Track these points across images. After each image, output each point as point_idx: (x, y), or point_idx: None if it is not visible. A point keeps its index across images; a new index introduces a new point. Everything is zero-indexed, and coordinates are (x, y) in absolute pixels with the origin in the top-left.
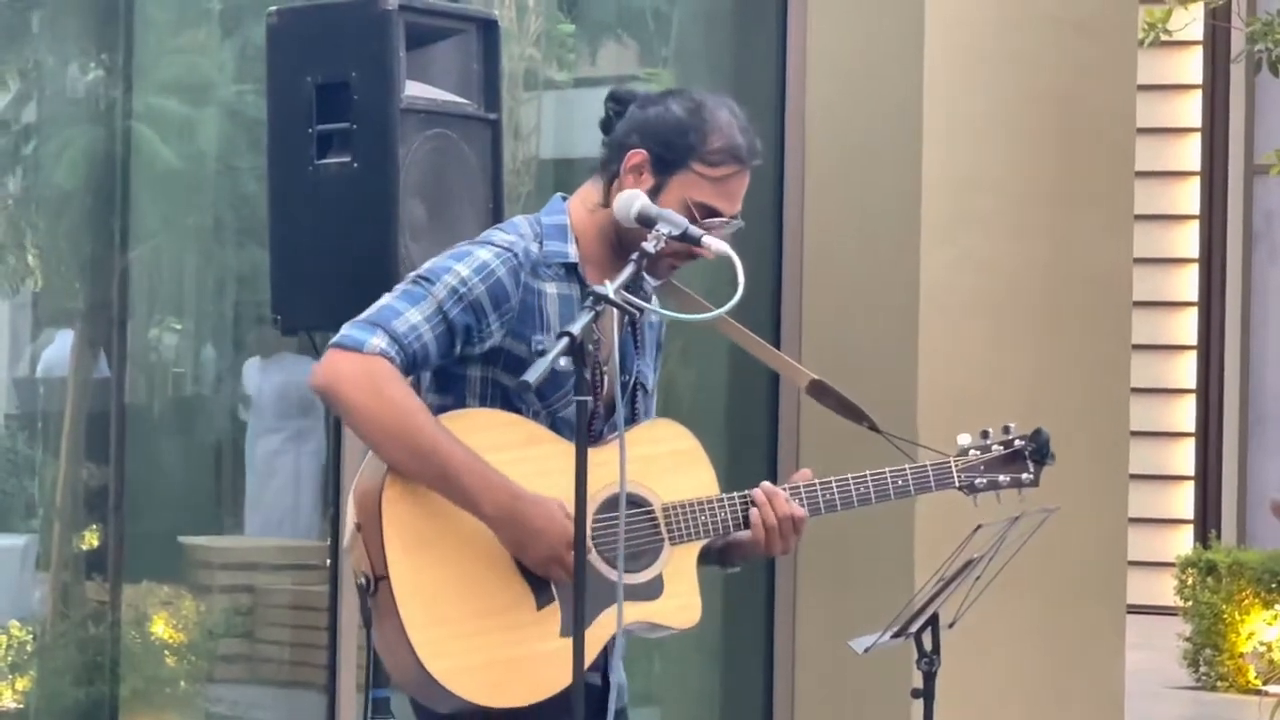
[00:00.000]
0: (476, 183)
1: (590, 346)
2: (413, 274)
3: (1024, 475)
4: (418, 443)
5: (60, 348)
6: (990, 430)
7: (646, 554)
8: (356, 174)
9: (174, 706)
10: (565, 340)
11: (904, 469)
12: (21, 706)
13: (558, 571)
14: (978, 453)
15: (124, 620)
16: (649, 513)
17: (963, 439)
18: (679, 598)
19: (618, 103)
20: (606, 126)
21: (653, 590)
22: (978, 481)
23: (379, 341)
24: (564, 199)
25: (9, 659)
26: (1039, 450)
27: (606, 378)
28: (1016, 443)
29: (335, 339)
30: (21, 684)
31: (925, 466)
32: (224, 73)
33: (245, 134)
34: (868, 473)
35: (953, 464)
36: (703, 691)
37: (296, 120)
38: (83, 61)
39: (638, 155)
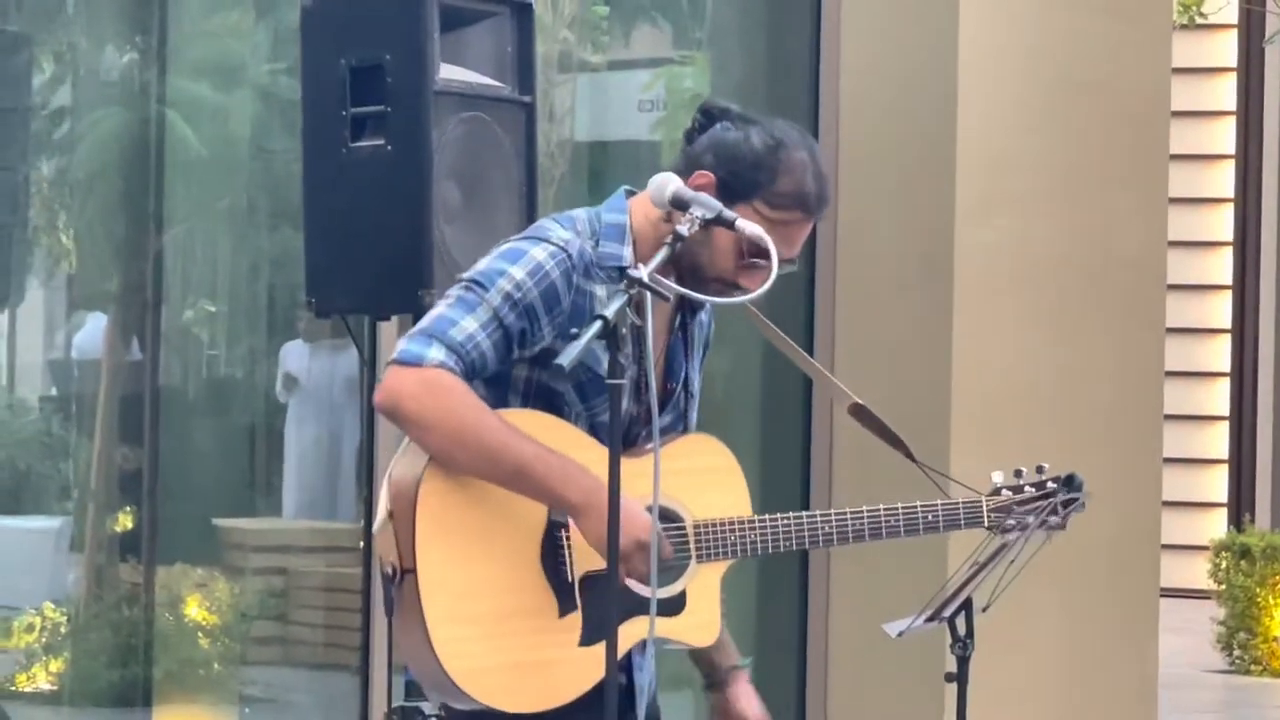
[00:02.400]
0: (510, 165)
1: (624, 330)
2: (465, 277)
3: (1052, 519)
4: (488, 444)
5: (94, 330)
6: (1024, 470)
7: (673, 569)
8: (390, 157)
9: (207, 688)
10: (599, 323)
11: (935, 505)
12: (56, 688)
13: (637, 561)
14: (1009, 493)
15: (158, 602)
16: (680, 528)
17: (996, 477)
18: (699, 615)
19: (706, 117)
20: (690, 136)
21: (675, 606)
22: (1007, 523)
23: (437, 354)
24: (629, 194)
25: (43, 640)
26: (1071, 496)
27: (654, 382)
28: (1049, 485)
29: (394, 355)
30: (56, 665)
31: (957, 505)
32: (258, 55)
33: (279, 117)
34: (899, 505)
35: (984, 504)
36: None
37: (330, 103)
38: (117, 44)
39: (704, 178)
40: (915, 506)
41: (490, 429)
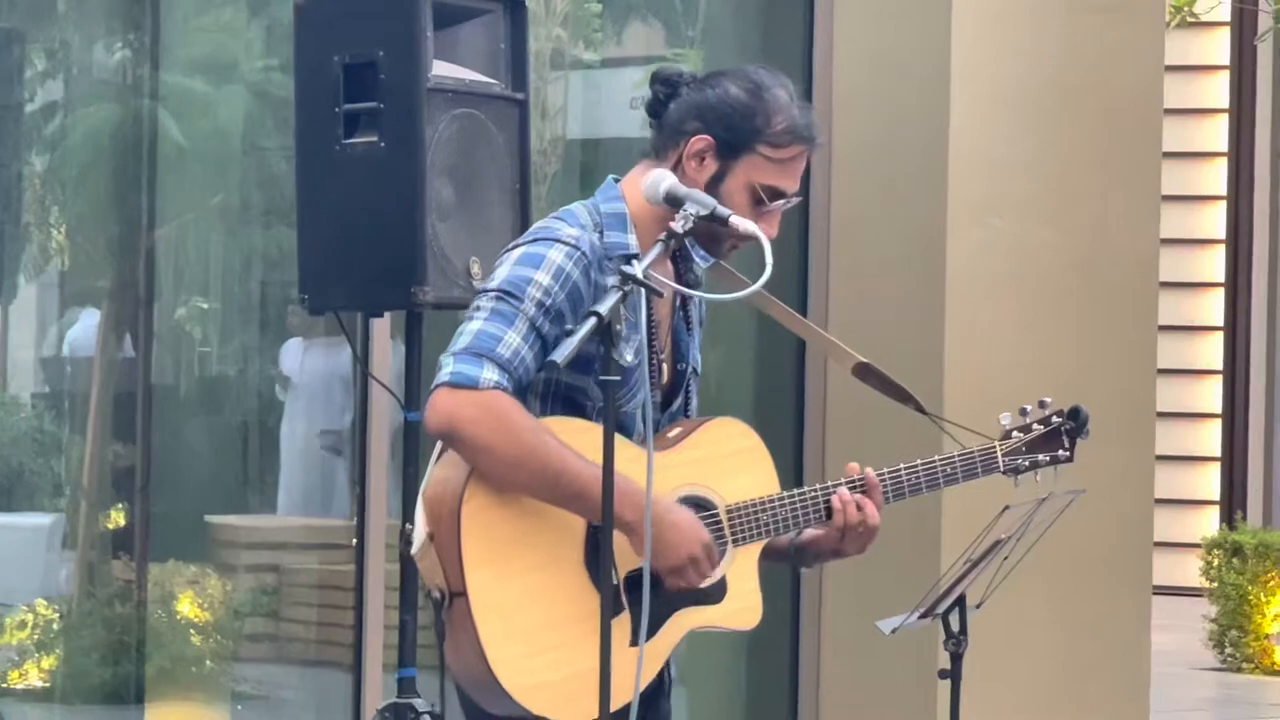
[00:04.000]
0: (503, 162)
1: (619, 327)
2: (493, 288)
3: (1060, 452)
4: (550, 468)
5: (87, 327)
6: (1029, 407)
7: None
8: (384, 154)
9: (200, 685)
10: (593, 320)
11: (952, 457)
12: (48, 685)
13: (693, 575)
14: (1020, 434)
15: (150, 599)
16: (714, 515)
17: (1004, 418)
18: (741, 599)
19: (666, 84)
20: (655, 109)
21: (716, 594)
22: (1020, 463)
23: (490, 374)
24: (617, 181)
25: (35, 637)
26: (1077, 427)
27: (665, 366)
28: (1054, 419)
29: (445, 377)
30: (48, 662)
31: (973, 453)
32: (251, 52)
33: (272, 113)
34: (919, 462)
35: (998, 449)
36: (729, 672)
37: (324, 100)
38: (109, 40)
39: (701, 141)
40: (934, 461)
41: (551, 452)
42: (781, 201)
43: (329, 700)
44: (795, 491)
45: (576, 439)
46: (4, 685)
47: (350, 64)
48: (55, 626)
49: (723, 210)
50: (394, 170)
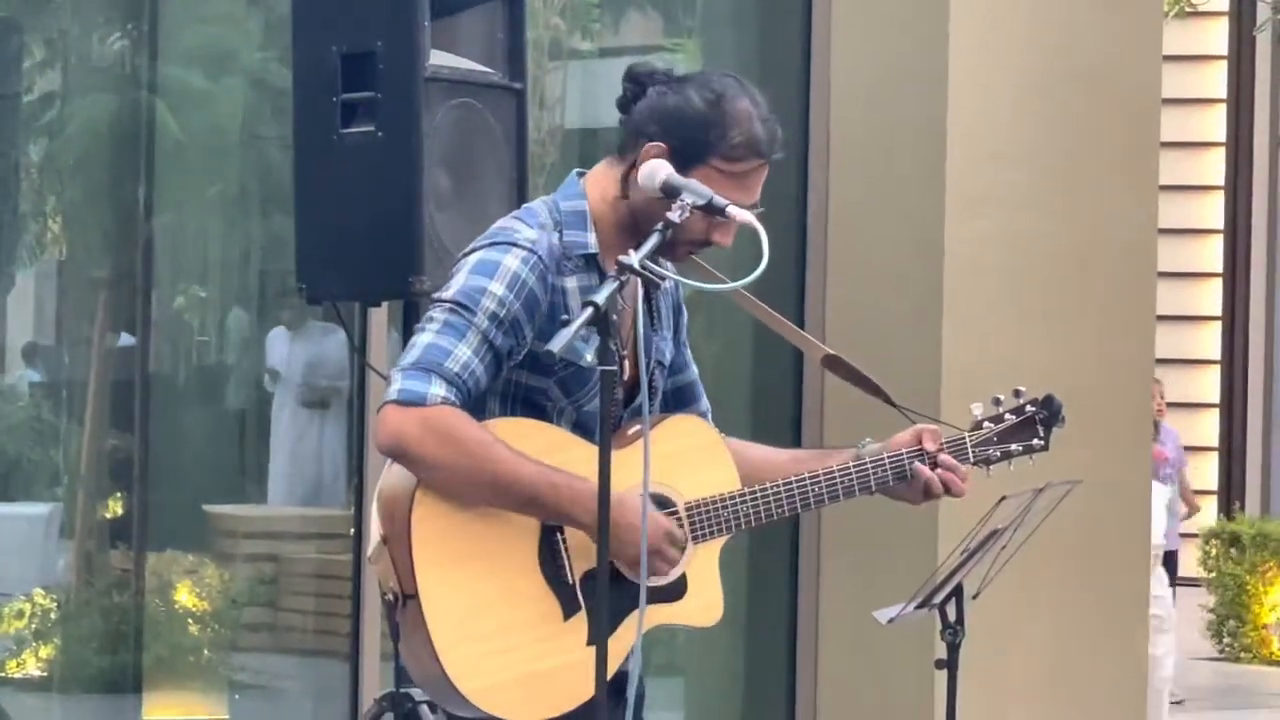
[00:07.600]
0: (501, 152)
1: (615, 316)
2: (447, 298)
3: (1035, 441)
4: (499, 478)
5: (85, 316)
6: (1002, 397)
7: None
8: (381, 143)
9: (197, 675)
10: (590, 310)
11: (919, 450)
12: (45, 674)
13: (658, 564)
14: (990, 424)
15: (148, 588)
16: (673, 513)
17: (976, 409)
18: (701, 596)
19: (635, 83)
20: (624, 106)
21: (676, 591)
22: (992, 453)
23: (437, 389)
24: (580, 176)
25: (33, 627)
26: (1051, 416)
27: (627, 362)
28: (1028, 408)
29: (393, 394)
30: (45, 651)
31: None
32: (249, 42)
33: (270, 103)
34: (885, 455)
35: (967, 440)
36: (726, 662)
37: (321, 89)
38: (108, 30)
39: (656, 148)
40: (900, 454)
41: (499, 462)
42: (733, 217)
43: (326, 689)
44: (756, 487)
45: (525, 442)
46: (2, 675)
47: (348, 54)
48: (53, 616)
49: (719, 200)
50: (392, 160)
